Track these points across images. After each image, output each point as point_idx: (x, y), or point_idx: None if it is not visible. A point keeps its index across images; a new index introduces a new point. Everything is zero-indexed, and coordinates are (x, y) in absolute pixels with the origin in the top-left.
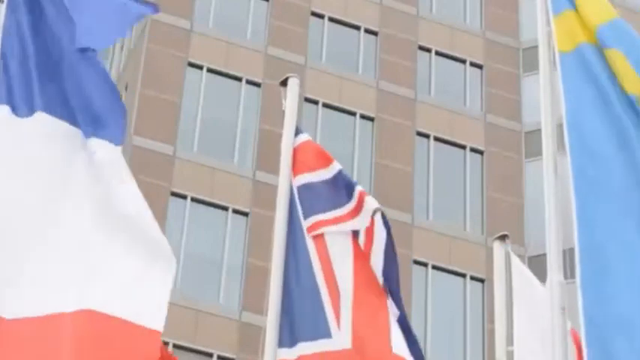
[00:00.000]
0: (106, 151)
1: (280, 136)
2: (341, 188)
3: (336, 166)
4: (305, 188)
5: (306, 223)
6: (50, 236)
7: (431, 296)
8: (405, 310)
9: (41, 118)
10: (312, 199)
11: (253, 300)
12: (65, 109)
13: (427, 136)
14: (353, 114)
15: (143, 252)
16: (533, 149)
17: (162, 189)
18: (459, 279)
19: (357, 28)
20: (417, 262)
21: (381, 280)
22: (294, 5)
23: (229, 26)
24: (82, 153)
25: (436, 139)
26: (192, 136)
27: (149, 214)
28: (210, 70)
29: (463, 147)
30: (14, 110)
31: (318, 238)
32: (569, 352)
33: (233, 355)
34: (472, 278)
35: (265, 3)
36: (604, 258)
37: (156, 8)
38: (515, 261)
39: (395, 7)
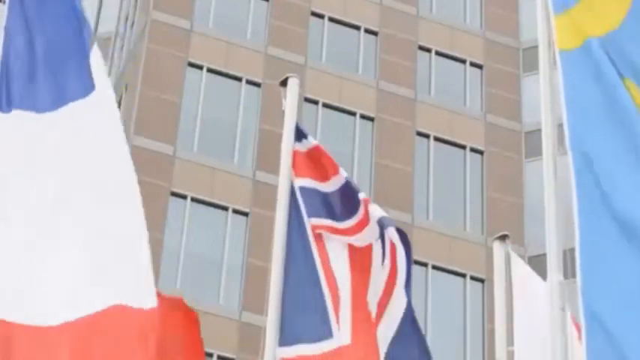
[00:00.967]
0: (85, 109)
1: (280, 136)
2: (345, 203)
3: (341, 178)
4: (309, 190)
5: (309, 221)
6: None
7: (431, 296)
8: (418, 323)
9: (17, 114)
10: (315, 202)
11: (253, 300)
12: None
13: (427, 136)
14: (353, 114)
15: (120, 233)
16: (533, 149)
17: (162, 189)
18: (459, 279)
19: (357, 28)
20: (417, 262)
21: (403, 295)
22: (294, 5)
23: (229, 26)
24: (67, 133)
25: (436, 139)
26: (192, 136)
27: (133, 177)
28: (210, 70)
29: (463, 147)
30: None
31: (318, 237)
32: (570, 351)
33: (233, 355)
34: (472, 278)
35: (265, 3)
36: (604, 258)
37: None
38: (516, 260)
39: (395, 7)
